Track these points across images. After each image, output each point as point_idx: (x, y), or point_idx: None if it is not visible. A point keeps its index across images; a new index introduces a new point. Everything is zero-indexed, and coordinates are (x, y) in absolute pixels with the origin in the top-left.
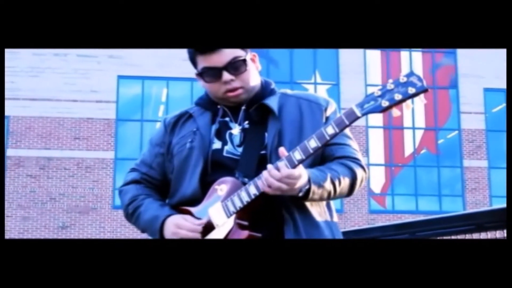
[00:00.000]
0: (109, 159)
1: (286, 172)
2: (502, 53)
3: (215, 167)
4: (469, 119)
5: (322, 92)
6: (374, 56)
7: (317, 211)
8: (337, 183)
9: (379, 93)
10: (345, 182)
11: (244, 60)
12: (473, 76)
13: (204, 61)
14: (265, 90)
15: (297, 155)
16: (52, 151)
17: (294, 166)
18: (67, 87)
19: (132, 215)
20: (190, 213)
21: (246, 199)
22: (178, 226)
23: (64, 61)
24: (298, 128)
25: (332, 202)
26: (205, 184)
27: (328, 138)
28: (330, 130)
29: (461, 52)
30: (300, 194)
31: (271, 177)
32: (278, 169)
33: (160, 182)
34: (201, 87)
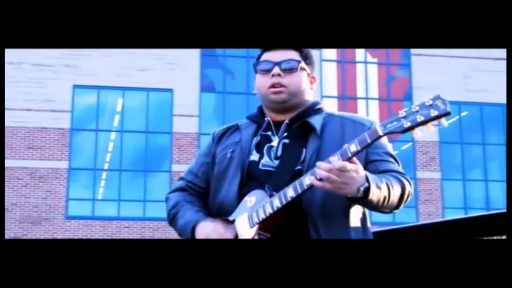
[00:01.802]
0: (63, 169)
1: (338, 163)
2: (456, 66)
3: (250, 179)
4: (423, 131)
5: None
6: (330, 67)
7: (353, 229)
8: (391, 189)
9: (404, 114)
10: (397, 191)
11: (298, 62)
12: (427, 88)
13: (266, 56)
14: (311, 109)
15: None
16: (5, 160)
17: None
18: (22, 96)
19: (172, 220)
20: (229, 222)
21: (269, 210)
22: (208, 237)
23: (19, 69)
24: (338, 147)
25: (368, 217)
26: (241, 195)
27: (350, 155)
28: (353, 147)
29: (416, 65)
30: (359, 194)
31: (320, 169)
32: (329, 161)
33: (205, 190)
34: (157, 98)
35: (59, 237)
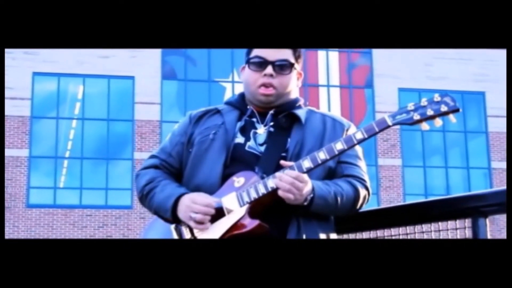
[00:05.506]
0: (23, 157)
1: (295, 173)
2: (417, 53)
3: (235, 161)
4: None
5: (239, 91)
6: None
7: (320, 224)
8: (339, 198)
9: (412, 107)
10: (348, 199)
11: (292, 65)
12: (388, 76)
13: (260, 51)
14: (294, 104)
15: (306, 163)
16: None
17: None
18: None
19: (146, 196)
20: None
21: (262, 191)
22: (193, 201)
23: None
24: (319, 140)
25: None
26: (224, 176)
27: (355, 142)
28: (359, 135)
29: (377, 53)
30: (306, 203)
31: (281, 181)
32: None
33: (177, 171)
34: (118, 85)
35: (20, 226)
